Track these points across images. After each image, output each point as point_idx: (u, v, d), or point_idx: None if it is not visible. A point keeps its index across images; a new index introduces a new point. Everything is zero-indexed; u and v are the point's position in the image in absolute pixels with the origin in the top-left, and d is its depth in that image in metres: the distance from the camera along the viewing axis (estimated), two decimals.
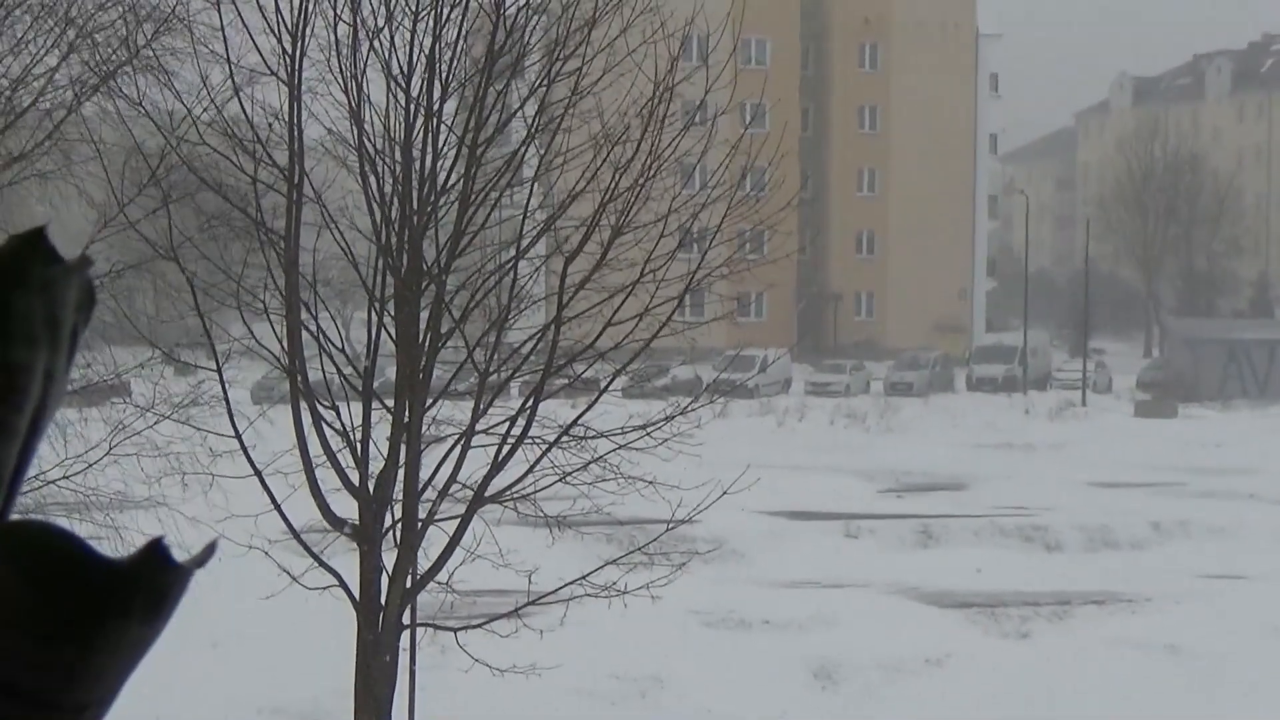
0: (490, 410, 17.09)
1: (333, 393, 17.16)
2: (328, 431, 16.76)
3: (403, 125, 16.69)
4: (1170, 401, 79.21)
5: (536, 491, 17.09)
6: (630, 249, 17.13)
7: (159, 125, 17.24)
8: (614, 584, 17.38)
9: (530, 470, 17.02)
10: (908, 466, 54.12)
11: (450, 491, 16.88)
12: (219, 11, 16.75)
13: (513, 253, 17.50)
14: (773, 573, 36.24)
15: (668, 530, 18.29)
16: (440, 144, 16.85)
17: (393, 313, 16.89)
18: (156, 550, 0.97)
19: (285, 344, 16.95)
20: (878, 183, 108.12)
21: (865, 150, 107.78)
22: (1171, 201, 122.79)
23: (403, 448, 16.63)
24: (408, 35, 16.70)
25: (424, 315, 16.93)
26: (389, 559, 16.86)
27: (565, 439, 17.14)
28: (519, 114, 17.47)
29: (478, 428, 16.90)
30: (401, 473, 16.68)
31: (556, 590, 17.32)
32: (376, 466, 16.76)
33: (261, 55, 16.79)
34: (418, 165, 16.70)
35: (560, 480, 17.17)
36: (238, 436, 16.77)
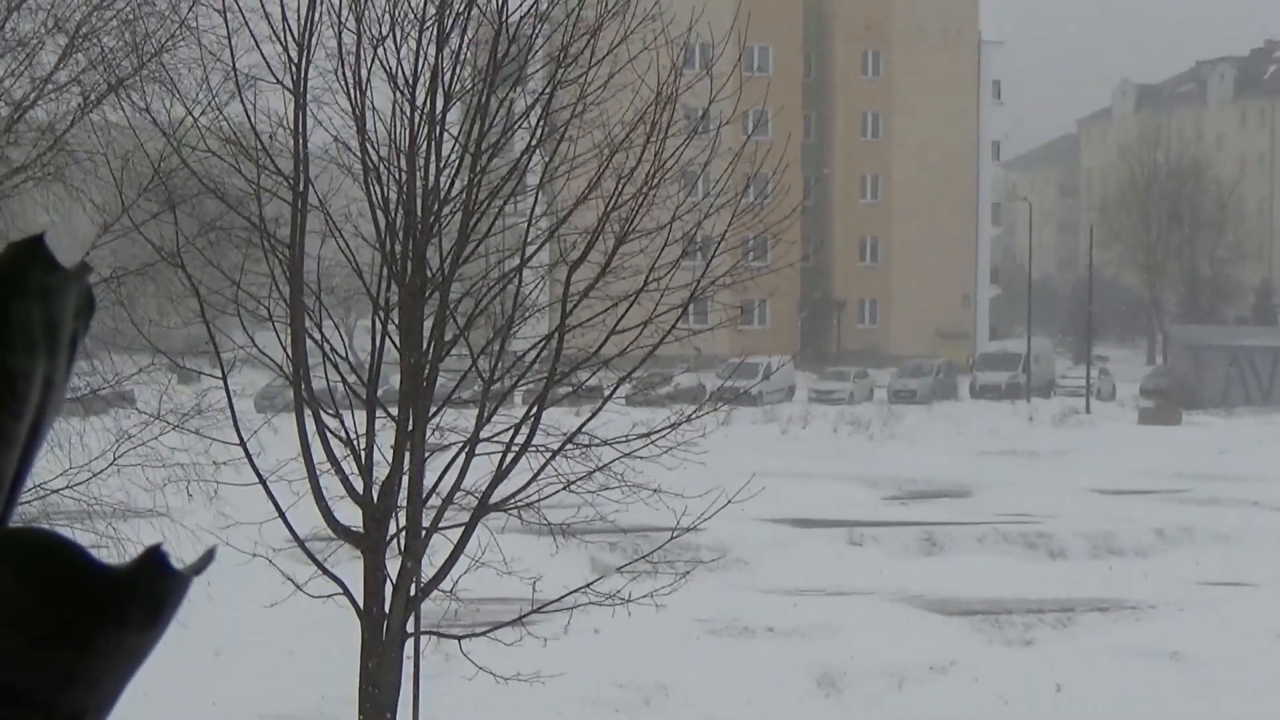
0: (494, 418, 17.08)
1: (337, 401, 17.16)
2: (332, 440, 16.76)
3: (407, 133, 16.69)
4: (1174, 408, 79.16)
5: (540, 499, 17.09)
6: (634, 257, 17.13)
7: (164, 132, 17.26)
8: (618, 592, 17.38)
9: (534, 478, 17.01)
10: (911, 474, 54.13)
11: (454, 499, 16.88)
12: (225, 20, 16.78)
13: (516, 261, 17.50)
14: (777, 581, 36.24)
15: (672, 538, 18.29)
16: (444, 152, 16.86)
17: (397, 321, 16.89)
18: (154, 557, 0.97)
19: (289, 352, 16.95)
20: (880, 190, 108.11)
21: (868, 157, 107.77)
22: (1174, 208, 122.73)
23: (407, 456, 16.63)
24: (412, 44, 16.73)
25: (428, 323, 16.94)
26: (393, 567, 16.85)
27: (569, 447, 17.14)
28: (523, 122, 17.48)
29: (481, 436, 16.90)
30: (405, 481, 16.68)
31: (560, 598, 17.31)
32: (380, 474, 16.75)
33: (267, 63, 16.81)
34: (422, 173, 16.71)
35: (564, 488, 17.16)
36: (242, 445, 16.77)
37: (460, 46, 16.84)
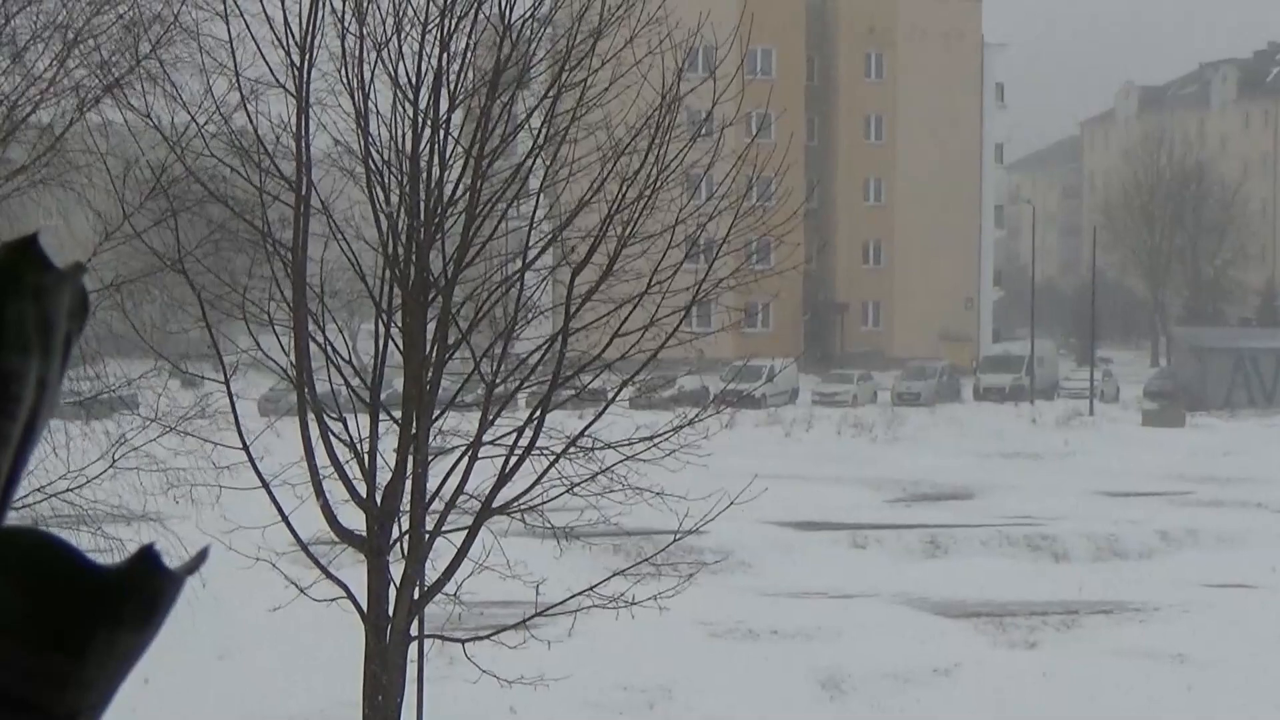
0: (497, 421, 17.08)
1: (340, 404, 17.16)
2: (335, 443, 16.76)
3: (410, 137, 16.69)
4: (1177, 410, 79.14)
5: (544, 503, 17.08)
6: (637, 260, 17.13)
7: (165, 137, 17.25)
8: (622, 595, 17.37)
9: (538, 481, 17.00)
10: (915, 476, 54.13)
11: (458, 503, 16.88)
12: (228, 25, 16.78)
13: (519, 264, 17.50)
14: (780, 583, 36.24)
15: (675, 541, 18.29)
16: (447, 155, 16.86)
17: (400, 324, 16.89)
18: (148, 557, 0.97)
19: (292, 356, 16.95)
20: (884, 193, 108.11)
21: (871, 160, 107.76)
22: (1178, 210, 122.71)
23: (410, 459, 16.63)
24: (415, 47, 16.72)
25: (431, 326, 16.93)
26: (397, 570, 16.85)
27: (572, 450, 17.13)
28: (525, 125, 17.48)
29: (485, 439, 16.89)
30: (409, 484, 16.68)
31: (564, 601, 17.31)
32: (384, 478, 16.75)
33: (269, 67, 16.81)
34: (425, 176, 16.71)
35: (568, 491, 17.16)
36: (245, 449, 16.76)
37: (463, 49, 16.84)
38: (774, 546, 39.28)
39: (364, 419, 16.96)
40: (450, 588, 16.97)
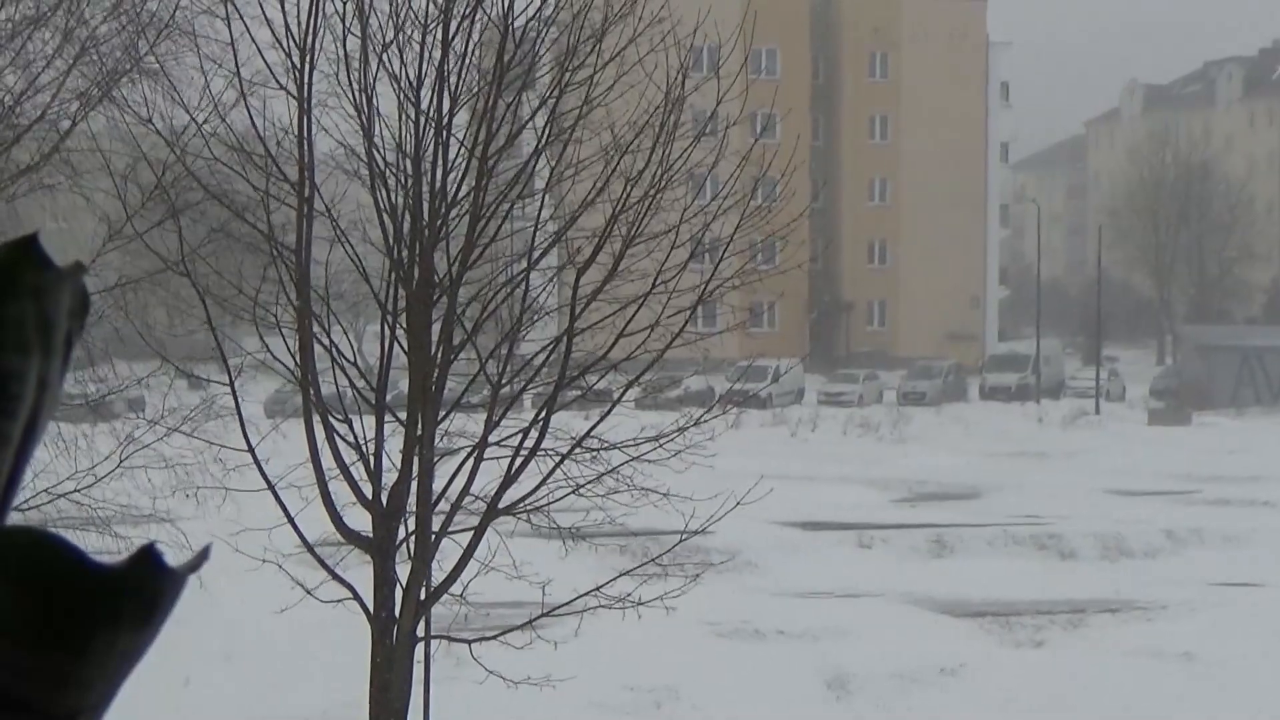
0: (503, 422, 17.08)
1: (345, 406, 17.15)
2: (341, 444, 16.76)
3: (413, 138, 16.69)
4: (1184, 409, 79.14)
5: (550, 503, 17.08)
6: (642, 260, 17.12)
7: (167, 140, 17.25)
8: (628, 595, 17.37)
9: (543, 482, 17.00)
10: (921, 476, 54.12)
11: (463, 504, 16.87)
12: (229, 26, 16.78)
13: (524, 264, 17.49)
14: (786, 583, 36.23)
15: (681, 541, 18.27)
16: (451, 156, 16.85)
17: (405, 325, 16.88)
18: (148, 555, 0.96)
19: (298, 358, 16.95)
20: (889, 192, 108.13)
21: (876, 160, 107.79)
22: (1183, 209, 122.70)
23: (416, 460, 16.62)
24: (417, 48, 16.71)
25: (436, 328, 16.93)
26: (403, 571, 16.85)
27: (578, 451, 17.13)
28: (529, 125, 17.47)
29: (490, 440, 16.89)
30: (414, 485, 16.68)
31: (570, 602, 17.30)
32: (389, 479, 16.75)
33: (270, 69, 16.81)
34: (428, 178, 16.71)
35: (573, 492, 17.15)
36: (251, 450, 16.76)
37: (466, 50, 16.83)
38: (780, 546, 39.27)
39: (369, 420, 16.96)
40: (456, 588, 16.97)
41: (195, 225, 17.68)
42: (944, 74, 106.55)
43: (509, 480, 16.85)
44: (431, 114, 16.63)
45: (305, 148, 16.65)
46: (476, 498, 16.89)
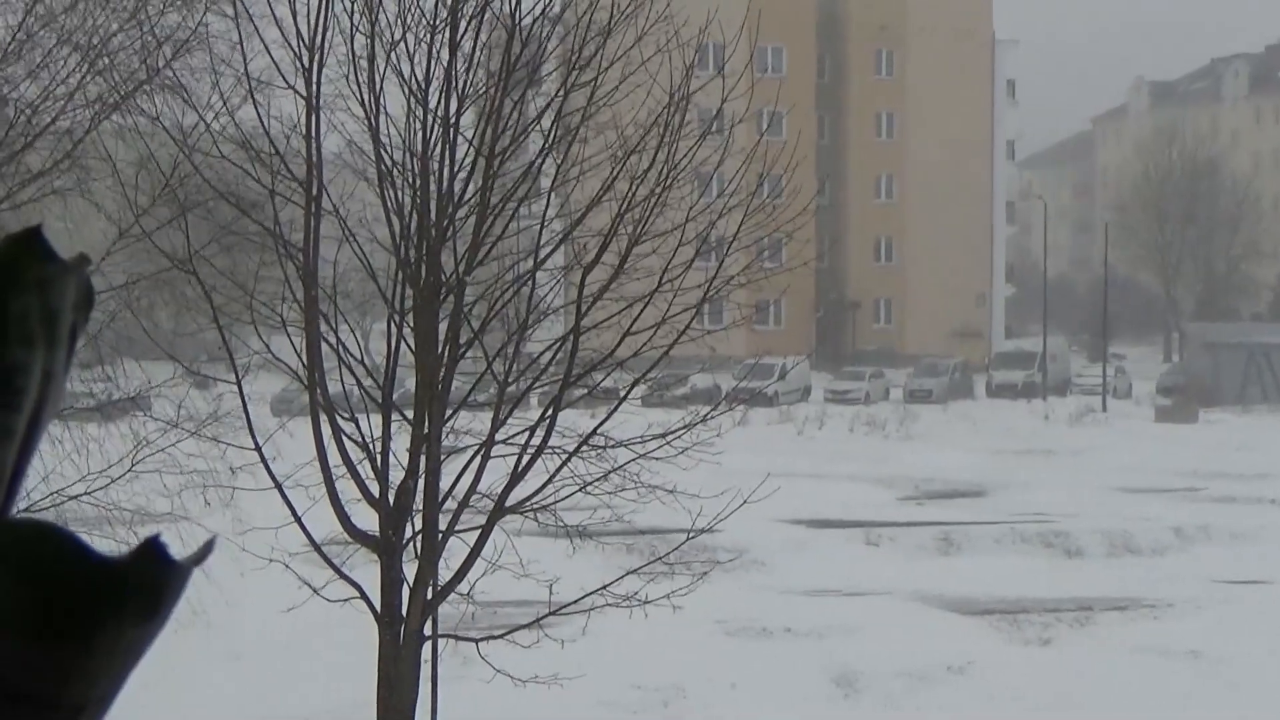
0: (510, 420, 17.07)
1: (352, 404, 17.16)
2: (348, 443, 16.76)
3: (420, 137, 16.70)
4: (1190, 406, 79.05)
5: (556, 502, 17.08)
6: (648, 258, 17.11)
7: (176, 140, 17.26)
8: (635, 594, 17.36)
9: (550, 480, 17.00)
10: (928, 474, 54.08)
11: (470, 502, 16.87)
12: (238, 27, 16.78)
13: (531, 263, 17.50)
14: (794, 581, 36.22)
15: (688, 539, 18.28)
16: (458, 156, 16.85)
17: (412, 324, 16.89)
18: (153, 548, 0.96)
19: (304, 357, 16.96)
20: (895, 189, 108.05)
21: (882, 157, 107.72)
22: (1190, 205, 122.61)
23: (422, 459, 16.63)
24: (425, 48, 16.72)
25: (443, 326, 16.93)
26: (410, 570, 16.85)
27: (585, 449, 17.12)
28: (536, 125, 17.48)
29: (497, 438, 16.89)
30: (421, 484, 16.68)
31: (578, 600, 17.30)
32: (396, 478, 16.75)
33: (279, 69, 16.83)
34: (436, 177, 16.71)
35: (580, 490, 17.15)
36: (258, 449, 16.77)
37: (473, 50, 16.84)
38: (787, 544, 39.27)
39: (376, 419, 16.96)
40: (463, 587, 16.98)
41: (203, 224, 17.69)
42: (950, 71, 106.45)
43: (516, 478, 16.85)
44: (439, 113, 16.64)
45: (313, 147, 16.66)
46: (483, 496, 16.89)
